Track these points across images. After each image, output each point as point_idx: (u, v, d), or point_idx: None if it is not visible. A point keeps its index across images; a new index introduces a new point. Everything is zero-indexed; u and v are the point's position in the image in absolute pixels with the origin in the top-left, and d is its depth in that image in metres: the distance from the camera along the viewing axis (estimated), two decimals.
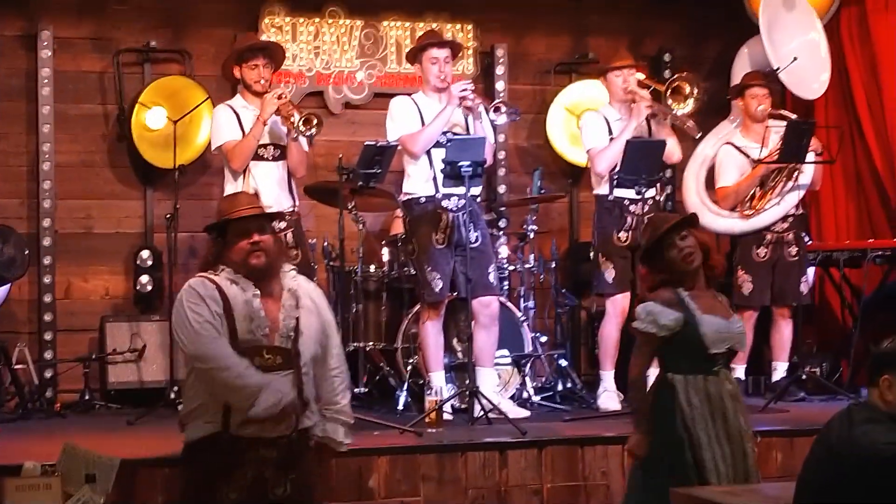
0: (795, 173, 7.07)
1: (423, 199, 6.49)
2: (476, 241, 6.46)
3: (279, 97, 6.36)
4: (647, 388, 4.48)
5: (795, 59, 7.37)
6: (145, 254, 7.52)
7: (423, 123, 6.46)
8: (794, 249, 7.18)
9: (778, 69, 7.38)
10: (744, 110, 7.32)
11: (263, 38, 7.50)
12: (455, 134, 6.47)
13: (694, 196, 7.42)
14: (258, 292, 4.24)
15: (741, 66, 7.82)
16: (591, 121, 6.92)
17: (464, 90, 6.45)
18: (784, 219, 7.17)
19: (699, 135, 7.09)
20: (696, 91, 6.78)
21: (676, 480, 4.17)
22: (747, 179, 7.17)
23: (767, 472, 5.38)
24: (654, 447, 4.35)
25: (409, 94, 6.69)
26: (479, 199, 6.67)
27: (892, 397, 3.44)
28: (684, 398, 4.29)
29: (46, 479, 3.30)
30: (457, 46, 6.81)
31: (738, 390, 4.46)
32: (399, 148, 6.55)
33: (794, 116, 7.31)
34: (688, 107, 6.82)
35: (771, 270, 7.17)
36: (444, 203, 6.43)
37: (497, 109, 6.50)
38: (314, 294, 4.46)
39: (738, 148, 7.23)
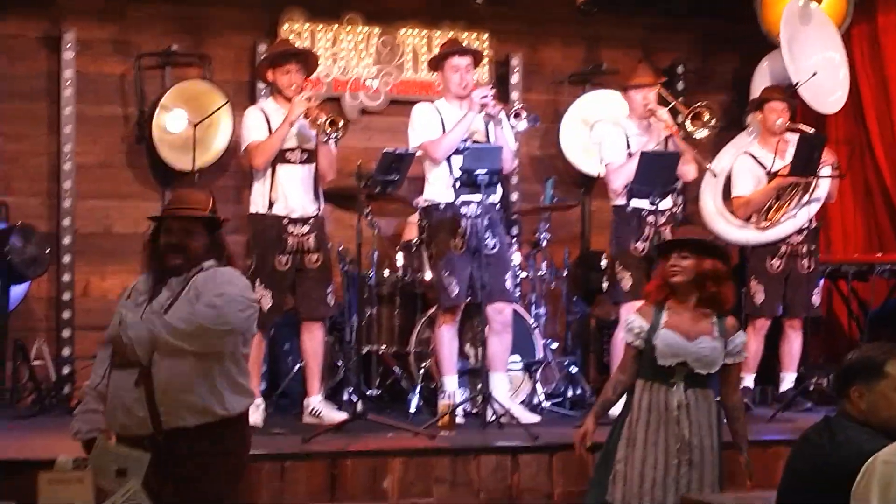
0: (811, 187, 7.16)
1: (442, 206, 6.58)
2: (494, 247, 6.56)
3: (308, 99, 6.41)
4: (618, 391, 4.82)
5: (815, 74, 7.45)
6: None
7: (444, 130, 6.56)
8: (807, 262, 7.26)
9: (797, 84, 7.47)
10: (762, 123, 7.39)
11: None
12: (475, 141, 6.57)
13: (711, 206, 7.51)
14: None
15: (761, 80, 7.91)
16: (610, 134, 6.98)
17: (485, 97, 6.54)
18: (799, 231, 7.25)
19: (711, 167, 7.16)
20: (713, 122, 6.87)
21: (601, 471, 4.71)
22: (763, 190, 7.25)
23: (775, 482, 5.45)
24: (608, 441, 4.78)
25: (431, 101, 6.78)
26: (497, 207, 6.76)
27: (864, 406, 3.52)
28: (637, 399, 4.71)
29: (79, 474, 3.37)
30: (478, 55, 6.90)
31: (706, 407, 4.68)
32: (417, 155, 6.64)
33: (811, 131, 7.40)
34: (703, 132, 6.91)
35: (783, 282, 7.25)
36: (463, 210, 6.52)
37: (517, 115, 6.59)
38: (205, 285, 4.06)
39: (755, 158, 7.30)
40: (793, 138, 7.22)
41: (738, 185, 7.33)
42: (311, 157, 6.53)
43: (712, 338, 4.65)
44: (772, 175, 7.18)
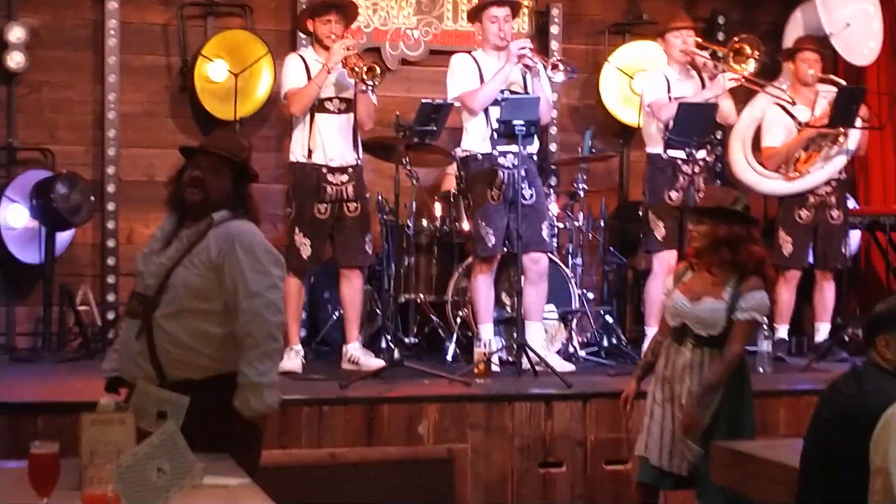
0: (840, 138, 7.14)
1: (479, 156, 6.63)
2: (531, 198, 6.60)
3: (346, 48, 6.44)
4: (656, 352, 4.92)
5: (848, 25, 7.41)
6: None
7: (482, 81, 6.58)
8: (836, 213, 7.27)
9: (830, 34, 7.42)
10: (794, 73, 7.38)
11: None
12: (513, 92, 6.59)
13: (740, 157, 7.52)
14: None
15: (793, 29, 7.88)
16: (652, 77, 7.03)
17: (522, 48, 6.55)
18: (828, 182, 7.25)
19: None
20: (756, 53, 6.85)
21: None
22: (794, 141, 7.24)
23: None
24: None
25: (469, 52, 6.81)
26: (535, 158, 6.79)
27: (891, 355, 3.54)
28: (660, 356, 4.83)
29: (121, 415, 3.46)
30: (516, 5, 6.91)
31: (705, 366, 4.66)
32: (455, 106, 6.68)
33: (843, 82, 7.37)
34: (749, 67, 6.89)
35: (812, 233, 7.26)
36: (500, 160, 6.56)
37: (555, 67, 6.60)
38: (228, 247, 3.85)
39: (787, 111, 7.29)
40: (823, 88, 7.20)
41: (769, 136, 7.33)
42: (349, 106, 6.57)
43: (716, 299, 4.67)
44: (803, 125, 7.17)
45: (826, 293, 7.33)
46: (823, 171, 7.23)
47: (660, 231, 6.90)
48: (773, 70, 7.68)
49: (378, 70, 6.42)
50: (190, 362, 3.86)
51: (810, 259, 7.36)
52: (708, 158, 6.98)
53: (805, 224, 7.26)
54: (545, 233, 6.68)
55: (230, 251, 3.84)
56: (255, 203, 4.07)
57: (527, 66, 6.60)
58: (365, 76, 6.37)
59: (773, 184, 7.35)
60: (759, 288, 4.70)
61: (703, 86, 6.98)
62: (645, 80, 7.12)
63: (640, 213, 7.17)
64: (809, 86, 7.27)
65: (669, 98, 6.88)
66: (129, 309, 3.99)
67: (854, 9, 7.65)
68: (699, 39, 7.02)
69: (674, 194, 6.87)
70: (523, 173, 6.52)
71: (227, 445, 3.70)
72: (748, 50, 6.85)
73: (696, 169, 6.82)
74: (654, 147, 6.98)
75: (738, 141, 7.53)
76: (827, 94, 7.24)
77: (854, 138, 7.22)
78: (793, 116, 7.23)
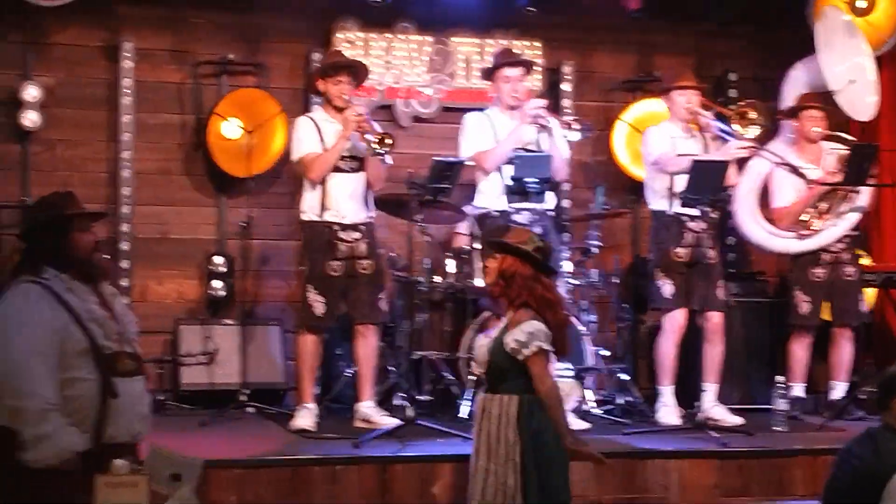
0: (850, 194, 7.15)
1: (495, 213, 6.64)
2: None
3: (358, 115, 6.48)
4: None
5: (852, 81, 7.43)
6: (219, 259, 7.75)
7: (495, 139, 6.62)
8: (850, 269, 7.26)
9: (834, 91, 7.45)
10: (798, 130, 7.39)
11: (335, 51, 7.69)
12: (527, 150, 6.62)
13: (748, 216, 7.51)
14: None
15: (792, 86, 7.88)
16: (655, 133, 7.04)
17: (537, 108, 6.59)
18: (840, 239, 7.25)
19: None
20: (761, 119, 6.86)
21: None
22: (805, 199, 7.24)
23: None
24: None
25: (483, 110, 6.84)
26: (551, 214, 6.79)
27: None
28: None
29: (134, 478, 3.46)
30: (530, 65, 6.96)
31: (498, 412, 4.67)
32: (467, 163, 6.71)
33: (850, 138, 7.38)
34: (754, 131, 6.90)
35: (828, 290, 7.24)
36: (516, 217, 6.56)
37: (570, 126, 6.64)
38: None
39: (795, 170, 7.29)
40: (827, 145, 7.22)
41: (779, 196, 7.33)
42: (361, 165, 6.61)
43: (486, 336, 4.75)
44: (811, 183, 7.17)
45: (843, 350, 7.30)
46: (837, 228, 7.23)
47: (667, 288, 6.88)
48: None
49: (389, 140, 6.45)
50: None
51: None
52: (713, 215, 6.96)
53: (820, 282, 7.24)
54: (561, 290, 6.66)
55: None
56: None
57: (541, 126, 6.63)
58: (377, 146, 6.41)
59: (784, 242, 7.35)
60: (526, 318, 4.66)
61: (706, 145, 6.98)
62: (649, 135, 7.10)
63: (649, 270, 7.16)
64: (814, 143, 7.28)
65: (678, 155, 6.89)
66: (123, 368, 4.07)
67: (850, 63, 7.66)
68: (704, 99, 7.04)
69: (681, 251, 6.85)
70: (539, 229, 6.53)
71: None
72: (753, 115, 6.87)
73: (704, 226, 6.82)
74: (658, 203, 6.98)
75: (744, 197, 7.52)
76: (832, 150, 7.26)
77: (865, 195, 7.23)
78: (802, 176, 7.23)
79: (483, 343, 4.78)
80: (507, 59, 6.85)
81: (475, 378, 4.86)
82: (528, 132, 6.64)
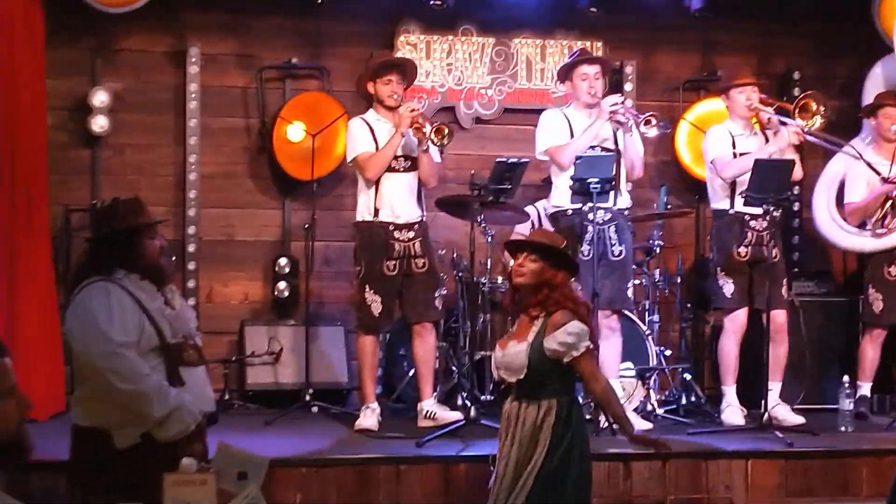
0: None
1: (570, 212, 6.65)
2: (619, 255, 6.61)
3: (413, 110, 6.53)
4: None
5: None
6: (283, 261, 7.83)
7: (571, 136, 6.63)
8: None
9: None
10: (875, 129, 7.32)
11: (398, 55, 7.75)
12: (605, 149, 6.62)
13: (824, 213, 7.47)
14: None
15: (873, 85, 7.82)
16: (716, 133, 7.01)
17: (614, 104, 6.60)
18: None
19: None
20: (822, 108, 6.81)
21: None
22: (875, 196, 7.18)
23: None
24: None
25: (560, 108, 6.87)
26: (625, 213, 6.79)
27: None
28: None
29: (202, 476, 3.52)
30: (606, 63, 6.97)
31: (532, 419, 4.60)
32: (536, 161, 6.72)
33: None
34: (815, 123, 6.85)
35: None
36: (591, 216, 6.58)
37: (648, 122, 6.63)
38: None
39: (869, 165, 7.23)
40: None
41: (852, 192, 7.27)
42: (414, 164, 6.66)
43: (520, 341, 4.61)
44: (886, 181, 7.10)
45: None
46: None
47: (729, 288, 6.84)
48: (852, 125, 7.62)
49: (446, 130, 6.49)
50: None
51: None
52: (775, 214, 6.90)
53: (895, 280, 7.16)
54: (629, 292, 6.67)
55: None
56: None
57: (618, 122, 6.63)
58: (434, 137, 6.44)
59: (858, 240, 7.28)
60: (567, 320, 4.59)
61: (767, 141, 6.94)
62: (709, 135, 7.08)
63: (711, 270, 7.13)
64: (892, 141, 7.21)
65: (735, 154, 6.86)
66: (188, 358, 4.43)
67: None
68: (763, 95, 7.00)
69: (742, 250, 6.81)
70: (614, 228, 6.53)
71: None
72: (814, 106, 6.82)
73: (765, 224, 6.77)
74: (720, 203, 6.95)
75: (821, 196, 7.48)
76: None
77: None
78: (876, 171, 7.16)
79: (513, 351, 4.63)
80: (582, 56, 6.87)
81: (502, 386, 4.79)
82: (605, 129, 6.63)
